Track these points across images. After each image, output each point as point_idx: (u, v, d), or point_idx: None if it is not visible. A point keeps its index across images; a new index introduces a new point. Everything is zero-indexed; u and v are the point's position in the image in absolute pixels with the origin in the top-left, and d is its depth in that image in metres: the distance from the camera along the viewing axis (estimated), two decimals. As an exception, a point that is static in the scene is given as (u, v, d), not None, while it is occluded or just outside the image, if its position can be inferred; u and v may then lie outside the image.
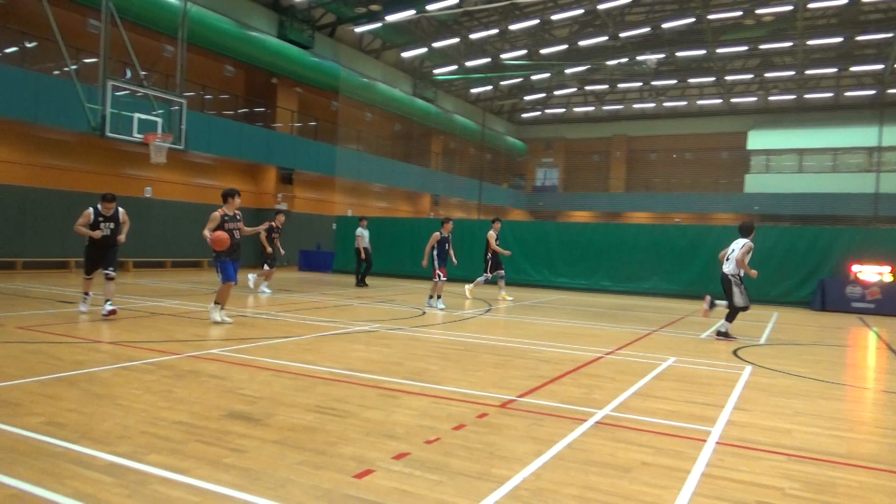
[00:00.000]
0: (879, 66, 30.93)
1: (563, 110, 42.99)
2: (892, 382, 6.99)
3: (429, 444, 3.98)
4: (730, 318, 9.59)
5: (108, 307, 8.94)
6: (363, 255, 16.79)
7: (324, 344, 7.63)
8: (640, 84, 36.44)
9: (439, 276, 12.20)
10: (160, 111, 14.95)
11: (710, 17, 27.23)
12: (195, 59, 21.20)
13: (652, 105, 40.64)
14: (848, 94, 35.86)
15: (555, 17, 28.18)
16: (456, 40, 30.11)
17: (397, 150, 33.75)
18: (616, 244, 18.33)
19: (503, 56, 31.94)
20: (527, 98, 40.55)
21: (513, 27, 28.96)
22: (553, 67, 33.02)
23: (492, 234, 14.48)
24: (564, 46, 31.24)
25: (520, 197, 43.65)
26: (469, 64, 32.51)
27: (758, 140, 39.23)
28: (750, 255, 9.49)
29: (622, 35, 29.47)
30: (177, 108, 15.34)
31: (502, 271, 14.66)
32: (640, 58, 30.92)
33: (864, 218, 30.58)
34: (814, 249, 16.17)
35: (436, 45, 30.18)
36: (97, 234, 9.03)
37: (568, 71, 33.98)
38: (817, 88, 36.17)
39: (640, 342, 8.90)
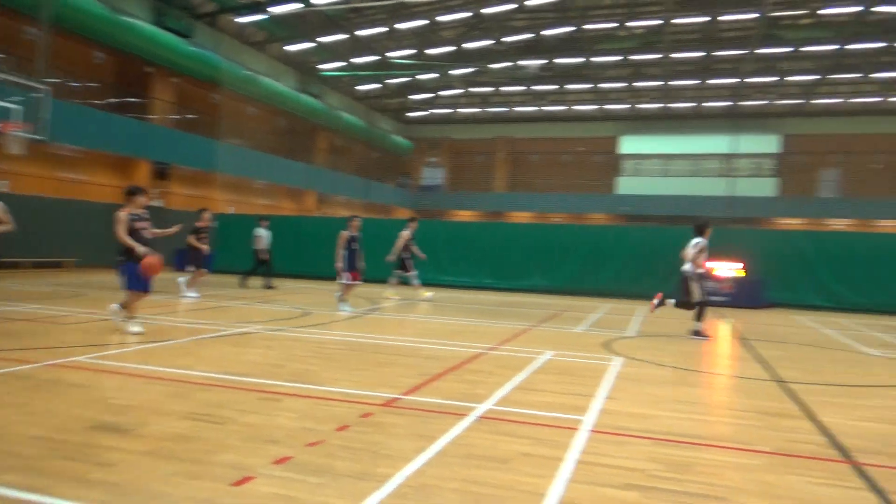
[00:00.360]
0: (734, 80, 33.82)
1: (449, 111, 43.62)
2: (743, 369, 7.68)
3: (311, 447, 3.93)
4: (698, 316, 9.94)
5: None
6: (261, 257, 16.21)
7: (200, 347, 7.30)
8: (523, 88, 37.69)
9: (347, 278, 11.69)
10: (19, 98, 13.69)
11: (587, 26, 28.62)
12: (60, 43, 19.55)
13: (533, 109, 42.14)
14: (707, 104, 38.91)
15: (442, 19, 28.52)
16: (343, 36, 29.74)
17: (281, 146, 32.83)
18: (499, 243, 18.88)
19: (390, 54, 31.93)
20: (414, 97, 40.77)
21: (400, 26, 29.02)
22: (440, 68, 33.42)
23: (406, 234, 14.49)
24: (451, 48, 31.70)
25: (406, 195, 43.85)
26: (356, 61, 32.22)
27: (628, 145, 41.76)
28: (704, 253, 9.85)
29: (506, 40, 30.33)
30: (39, 95, 14.09)
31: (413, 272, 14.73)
32: (522, 63, 31.99)
33: (720, 219, 33.33)
34: (677, 247, 17.35)
35: (322, 40, 29.66)
36: None
37: (454, 72, 34.52)
38: (681, 98, 38.96)
39: (521, 337, 9.22)
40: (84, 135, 20.02)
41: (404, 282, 15.21)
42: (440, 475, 3.56)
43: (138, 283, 7.92)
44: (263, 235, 16.26)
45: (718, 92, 37.48)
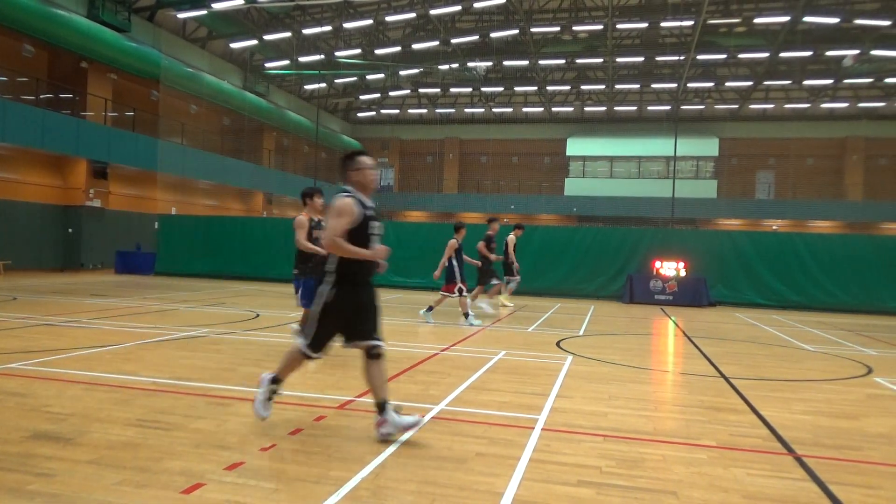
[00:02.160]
0: (674, 85, 34.85)
1: (397, 111, 43.52)
2: (688, 365, 7.91)
3: (264, 452, 3.85)
4: None
5: None
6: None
7: (146, 352, 7.07)
8: (471, 89, 37.92)
9: (461, 291, 10.89)
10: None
11: (533, 30, 29.01)
12: (-15, 35, 18.66)
13: (482, 110, 42.45)
14: (649, 108, 39.97)
15: (389, 19, 28.45)
16: (288, 34, 29.32)
17: (227, 146, 32.13)
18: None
19: (337, 54, 31.65)
20: (361, 97, 40.52)
21: (347, 25, 28.80)
22: (387, 68, 33.31)
23: (511, 238, 13.67)
24: (398, 48, 31.64)
25: (355, 196, 43.53)
26: (302, 59, 31.80)
27: (575, 147, 42.53)
28: None
29: (453, 41, 30.46)
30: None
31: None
32: (470, 64, 32.18)
33: (663, 219, 34.29)
34: (623, 247, 17.87)
35: (267, 37, 29.16)
36: None
37: (402, 73, 34.47)
38: (624, 102, 39.91)
39: (474, 337, 9.27)
40: (15, 132, 19.15)
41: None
42: (396, 477, 3.54)
43: (307, 299, 7.19)
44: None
45: (660, 96, 38.57)
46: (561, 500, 3.33)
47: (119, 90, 25.14)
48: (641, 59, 31.85)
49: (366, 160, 4.47)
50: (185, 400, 5.03)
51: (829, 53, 29.40)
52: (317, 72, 33.24)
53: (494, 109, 42.20)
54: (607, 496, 3.41)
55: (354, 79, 36.34)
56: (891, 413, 5.60)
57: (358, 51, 31.68)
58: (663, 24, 27.87)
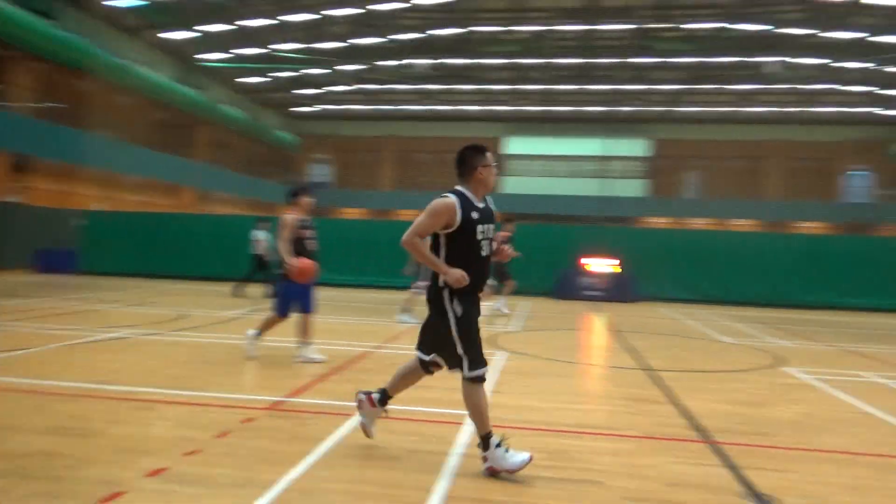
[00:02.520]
0: (610, 87, 35.76)
1: (337, 107, 43.01)
2: (614, 359, 8.15)
3: (188, 456, 3.76)
4: None
5: None
6: (260, 262, 14.64)
7: (64, 355, 6.77)
8: (412, 87, 37.86)
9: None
10: None
11: (475, 29, 29.21)
12: None
13: (422, 108, 42.44)
14: (585, 108, 40.89)
15: (330, 14, 28.08)
16: (226, 26, 28.53)
17: (158, 139, 31.00)
18: (387, 241, 18.82)
19: (277, 47, 31.01)
20: (301, 92, 39.86)
21: (287, 19, 28.25)
22: (328, 64, 32.88)
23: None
24: (340, 44, 31.26)
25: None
26: (240, 52, 31.00)
27: (513, 146, 43.11)
28: None
29: (396, 38, 30.33)
30: None
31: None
32: (411, 61, 32.13)
33: (594, 217, 35.12)
34: (556, 245, 18.21)
35: (204, 28, 28.29)
36: None
37: (343, 68, 34.09)
38: (561, 102, 40.68)
39: (408, 335, 9.28)
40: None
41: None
42: (327, 477, 3.52)
43: (283, 306, 6.84)
44: (263, 238, 14.79)
45: (595, 97, 39.47)
46: (492, 494, 3.39)
47: (45, 80, 23.89)
48: (578, 60, 32.55)
49: (491, 156, 4.03)
50: (106, 405, 4.85)
51: (754, 59, 30.77)
52: (255, 65, 32.49)
53: (434, 107, 42.26)
54: (537, 488, 3.49)
55: (294, 73, 35.68)
56: (799, 401, 5.93)
57: (298, 45, 31.11)
58: (600, 28, 28.54)
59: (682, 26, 28.87)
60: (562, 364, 7.47)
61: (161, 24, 27.70)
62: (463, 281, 3.69)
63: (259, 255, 14.72)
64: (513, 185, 42.03)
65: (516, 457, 3.63)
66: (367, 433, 4.07)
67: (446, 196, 3.81)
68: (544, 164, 43.09)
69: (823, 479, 3.81)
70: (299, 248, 6.74)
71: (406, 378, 4.11)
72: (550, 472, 3.76)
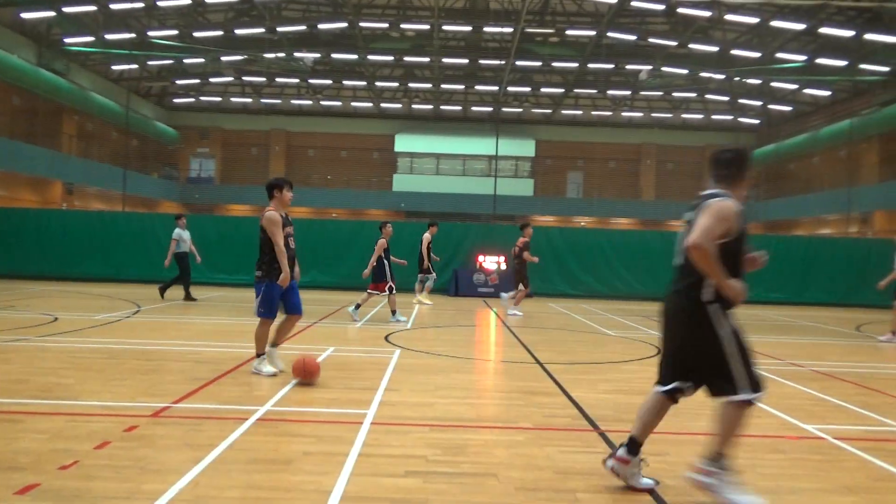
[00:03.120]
0: (496, 88, 36.69)
1: (219, 99, 41.20)
2: (508, 353, 8.39)
3: (64, 470, 3.48)
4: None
5: None
6: (182, 263, 13.32)
7: None
8: (298, 80, 36.99)
9: (391, 289, 11.11)
10: None
11: (362, 24, 28.96)
12: None
13: (310, 102, 41.58)
14: (473, 108, 41.70)
15: (209, 0, 26.84)
16: (92, 8, 26.54)
17: (18, 129, 28.32)
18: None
19: (151, 33, 29.23)
20: (179, 82, 37.82)
21: (162, 3, 26.70)
22: (207, 53, 31.41)
23: (427, 237, 14.59)
24: (220, 32, 29.97)
25: (173, 188, 40.56)
26: (109, 37, 28.95)
27: (403, 143, 43.20)
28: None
29: (279, 29, 29.49)
30: None
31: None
32: (297, 55, 31.37)
33: (486, 216, 35.94)
34: (449, 242, 18.46)
35: (67, 9, 26.16)
36: None
37: (224, 59, 32.69)
38: (450, 101, 41.26)
39: (301, 335, 9.08)
40: None
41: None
42: (218, 484, 3.38)
43: (269, 308, 6.24)
44: (187, 237, 13.48)
45: (483, 97, 40.36)
46: (389, 492, 3.38)
47: None
48: (466, 61, 33.14)
49: None
50: (-36, 419, 4.39)
51: (628, 67, 32.64)
52: (126, 51, 30.45)
53: (323, 102, 41.53)
54: (433, 484, 3.53)
55: (171, 62, 33.77)
56: (676, 388, 6.36)
57: (174, 31, 29.48)
58: (486, 29, 29.18)
59: (562, 32, 30.14)
60: (455, 360, 7.59)
61: (18, 2, 25.34)
62: (743, 295, 3.35)
63: (183, 254, 13.51)
64: (404, 182, 42.14)
65: (744, 498, 3.29)
66: (650, 486, 3.59)
67: (724, 199, 3.39)
68: (436, 162, 43.55)
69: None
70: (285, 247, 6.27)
71: (654, 419, 3.68)
72: (447, 466, 3.81)
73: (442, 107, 41.30)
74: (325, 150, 43.50)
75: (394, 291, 11.19)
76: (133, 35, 28.97)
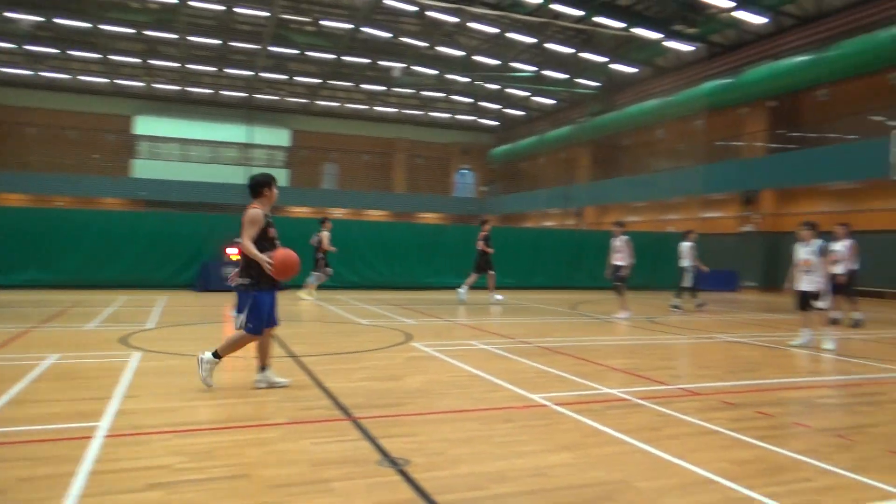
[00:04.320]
0: (249, 73, 35.18)
1: None
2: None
3: None
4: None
5: None
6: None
7: None
8: (13, 45, 31.55)
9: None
10: None
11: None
12: None
13: (28, 72, 35.75)
14: (224, 93, 39.52)
15: None
16: None
17: None
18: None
19: None
20: None
21: None
22: None
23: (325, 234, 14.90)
24: None
25: None
26: None
27: (145, 126, 39.42)
28: None
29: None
30: None
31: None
32: (8, 14, 26.76)
33: (238, 206, 34.31)
34: (197, 234, 17.30)
35: None
36: None
37: None
38: (199, 84, 38.57)
39: (16, 343, 7.86)
40: None
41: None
42: None
43: (259, 322, 5.61)
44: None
45: (235, 82, 38.44)
46: (126, 509, 3.12)
47: None
48: (217, 41, 31.24)
49: None
50: None
51: (382, 63, 33.57)
52: None
53: (45, 74, 35.98)
54: (179, 494, 3.32)
55: None
56: (424, 371, 6.79)
57: None
58: (238, 10, 27.82)
59: (318, 22, 29.95)
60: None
61: None
62: None
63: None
64: (145, 169, 38.46)
65: None
66: None
67: None
68: (182, 148, 40.44)
69: (443, 437, 4.44)
70: (268, 249, 5.69)
71: None
72: (195, 473, 3.62)
73: (189, 89, 38.47)
74: (49, 128, 37.82)
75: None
76: None
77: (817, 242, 9.00)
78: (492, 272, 14.94)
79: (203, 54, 34.03)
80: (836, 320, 12.19)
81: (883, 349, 9.42)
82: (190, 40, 30.79)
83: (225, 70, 35.31)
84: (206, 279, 16.61)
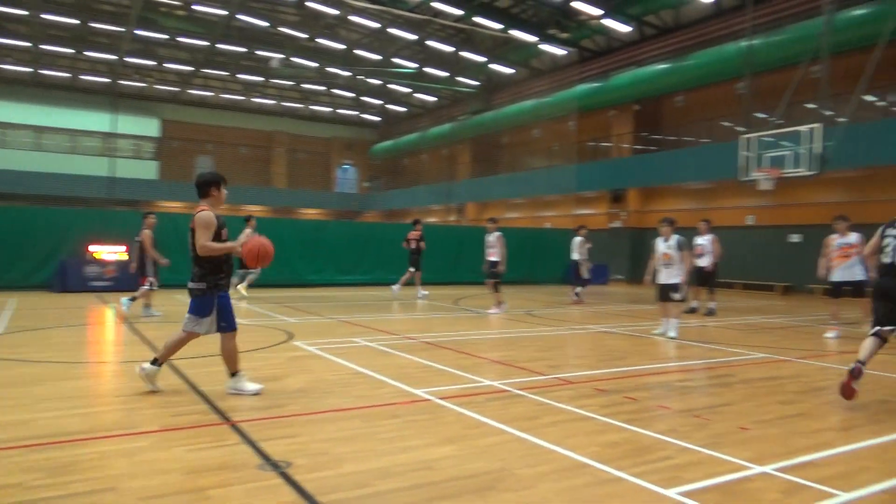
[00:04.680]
0: (113, 57, 32.75)
1: None
2: (129, 353, 7.65)
3: None
4: None
5: None
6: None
7: None
8: None
9: (151, 284, 10.97)
10: None
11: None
12: None
13: None
14: (84, 77, 36.57)
15: None
16: None
17: None
18: None
19: None
20: None
21: None
22: None
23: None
24: None
25: None
26: None
27: (-9, 110, 35.69)
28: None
29: None
30: None
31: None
32: None
33: (101, 200, 31.97)
34: (53, 230, 15.92)
35: None
36: None
37: None
38: (55, 66, 35.46)
39: None
40: None
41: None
42: None
43: (231, 317, 5.55)
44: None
45: (97, 66, 35.68)
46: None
47: None
48: (75, 21, 28.77)
49: None
50: None
51: (260, 53, 32.41)
52: None
53: None
54: (33, 513, 3.05)
55: None
56: (307, 370, 6.65)
57: None
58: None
59: (189, 6, 28.42)
60: (64, 366, 6.63)
61: None
62: None
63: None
64: (-9, 158, 34.80)
65: None
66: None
67: None
68: (37, 136, 36.96)
69: (325, 437, 4.38)
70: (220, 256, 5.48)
71: (873, 351, 5.52)
72: (52, 490, 3.33)
73: (44, 71, 35.24)
74: None
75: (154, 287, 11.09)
76: None
77: (676, 237, 9.70)
78: (418, 270, 16.03)
79: (59, 34, 31.28)
80: (694, 309, 13.26)
81: (733, 335, 10.35)
82: (44, 18, 28.19)
83: (85, 52, 32.67)
84: (64, 279, 15.32)
